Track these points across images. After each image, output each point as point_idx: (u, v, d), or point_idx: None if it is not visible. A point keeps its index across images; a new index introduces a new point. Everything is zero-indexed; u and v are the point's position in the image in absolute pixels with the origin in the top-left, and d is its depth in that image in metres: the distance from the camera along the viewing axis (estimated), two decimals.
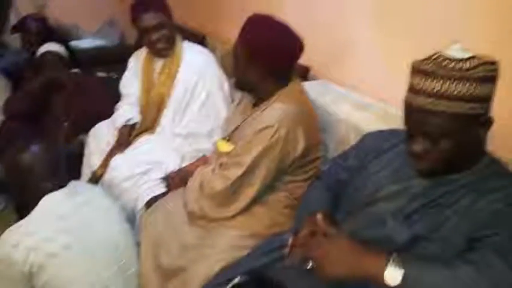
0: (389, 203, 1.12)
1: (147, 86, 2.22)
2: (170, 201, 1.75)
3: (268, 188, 1.57)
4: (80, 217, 1.51)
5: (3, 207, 2.16)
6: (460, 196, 1.02)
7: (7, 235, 1.41)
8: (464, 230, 0.98)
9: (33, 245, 1.38)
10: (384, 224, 1.08)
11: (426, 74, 0.97)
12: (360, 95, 1.90)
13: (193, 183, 1.67)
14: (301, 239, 1.06)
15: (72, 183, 1.58)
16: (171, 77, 2.14)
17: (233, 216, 1.56)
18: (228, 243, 1.53)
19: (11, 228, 1.43)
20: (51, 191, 1.50)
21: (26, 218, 1.44)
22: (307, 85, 1.77)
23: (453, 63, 0.96)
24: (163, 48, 2.10)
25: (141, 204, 1.93)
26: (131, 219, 1.90)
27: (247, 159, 1.50)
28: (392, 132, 1.26)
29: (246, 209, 1.57)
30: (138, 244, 1.69)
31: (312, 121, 1.61)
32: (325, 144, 1.80)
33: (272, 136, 1.47)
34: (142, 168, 2.02)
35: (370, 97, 1.86)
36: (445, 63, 0.96)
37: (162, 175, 2.00)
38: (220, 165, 1.62)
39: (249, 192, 1.54)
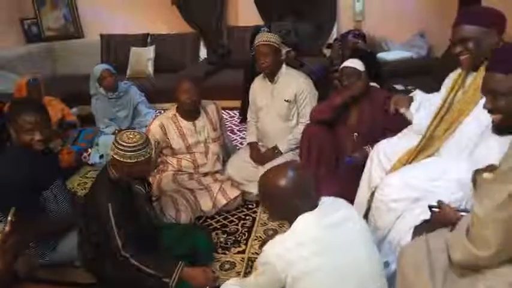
0: None
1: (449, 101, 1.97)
2: (432, 238, 1.53)
3: None
4: (332, 238, 1.54)
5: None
6: None
7: (275, 245, 1.59)
8: None
9: (291, 261, 1.52)
10: None
11: None
12: None
13: (461, 226, 1.36)
14: None
15: (324, 202, 1.62)
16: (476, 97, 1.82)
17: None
18: None
19: (276, 239, 1.60)
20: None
21: (287, 234, 1.58)
22: None
23: None
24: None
25: (407, 237, 1.76)
26: (393, 248, 1.84)
27: None
28: None
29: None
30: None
31: None
32: None
33: None
34: (416, 193, 1.83)
35: None
36: None
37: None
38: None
39: None
